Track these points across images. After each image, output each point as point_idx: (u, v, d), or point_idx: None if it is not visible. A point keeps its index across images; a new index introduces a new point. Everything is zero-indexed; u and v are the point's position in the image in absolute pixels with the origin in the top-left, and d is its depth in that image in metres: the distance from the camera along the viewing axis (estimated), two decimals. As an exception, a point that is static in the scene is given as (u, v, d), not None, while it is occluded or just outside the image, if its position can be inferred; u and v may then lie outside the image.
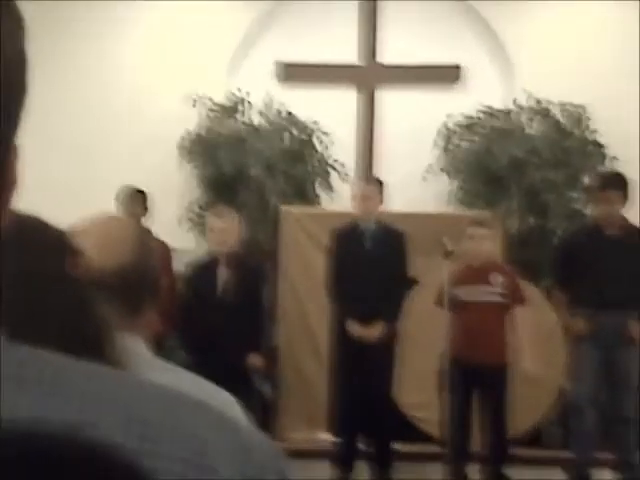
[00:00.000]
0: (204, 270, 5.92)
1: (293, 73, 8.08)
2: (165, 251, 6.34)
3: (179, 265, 6.52)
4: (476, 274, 5.67)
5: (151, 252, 1.65)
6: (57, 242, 0.87)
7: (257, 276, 5.90)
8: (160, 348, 5.53)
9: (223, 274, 5.79)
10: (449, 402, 5.57)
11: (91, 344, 0.78)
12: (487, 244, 5.72)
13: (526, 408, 6.18)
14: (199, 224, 7.63)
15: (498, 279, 5.66)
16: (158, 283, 1.65)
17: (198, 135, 7.70)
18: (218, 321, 5.63)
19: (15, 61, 0.58)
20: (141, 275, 1.59)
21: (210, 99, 7.73)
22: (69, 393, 0.55)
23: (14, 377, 0.54)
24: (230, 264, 5.79)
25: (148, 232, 1.72)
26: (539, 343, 6.18)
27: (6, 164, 0.58)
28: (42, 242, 0.86)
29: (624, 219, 5.81)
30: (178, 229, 7.44)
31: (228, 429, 0.58)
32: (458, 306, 5.63)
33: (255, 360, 5.73)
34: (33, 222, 0.92)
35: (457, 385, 5.53)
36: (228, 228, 5.79)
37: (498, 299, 5.64)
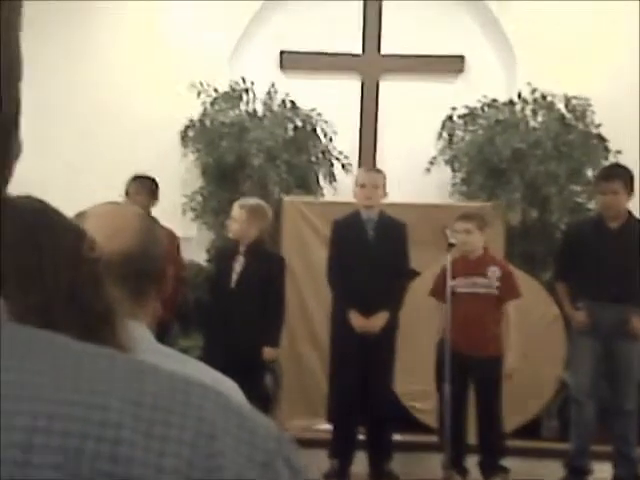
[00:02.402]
0: (223, 259, 5.99)
1: (297, 62, 8.08)
2: (172, 239, 6.36)
3: (186, 254, 6.55)
4: (473, 266, 5.69)
5: (156, 240, 1.65)
6: (72, 224, 0.88)
7: (275, 266, 5.89)
8: (164, 335, 5.57)
9: (239, 264, 5.83)
10: (445, 393, 5.58)
11: (102, 321, 0.79)
12: (472, 237, 5.71)
13: (525, 400, 6.19)
14: (202, 213, 7.63)
15: (495, 272, 5.68)
16: (163, 271, 1.65)
17: (201, 124, 7.70)
18: (230, 311, 5.66)
19: (15, 50, 0.58)
20: (145, 262, 1.59)
21: (214, 88, 7.73)
22: (79, 376, 0.56)
23: (21, 356, 0.55)
24: (248, 254, 5.82)
25: (154, 220, 1.71)
26: (536, 338, 6.19)
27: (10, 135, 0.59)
28: (58, 222, 0.87)
29: (628, 212, 5.82)
30: (180, 217, 7.44)
31: (236, 414, 0.59)
32: (454, 297, 5.66)
33: (271, 354, 5.76)
34: (46, 206, 0.93)
35: (453, 376, 5.55)
36: (239, 219, 5.84)
37: (494, 292, 5.66)
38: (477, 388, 5.69)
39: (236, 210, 5.93)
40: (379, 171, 6.17)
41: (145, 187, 6.46)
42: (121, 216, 1.64)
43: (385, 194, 5.98)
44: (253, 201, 6.17)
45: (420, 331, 6.43)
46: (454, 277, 5.70)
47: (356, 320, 5.73)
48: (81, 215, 1.57)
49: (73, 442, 0.52)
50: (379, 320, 5.73)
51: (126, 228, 1.60)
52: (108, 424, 0.54)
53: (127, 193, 6.40)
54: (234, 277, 5.82)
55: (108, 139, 7.83)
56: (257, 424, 0.60)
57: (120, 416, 0.54)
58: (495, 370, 5.64)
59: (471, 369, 5.59)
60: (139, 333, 1.54)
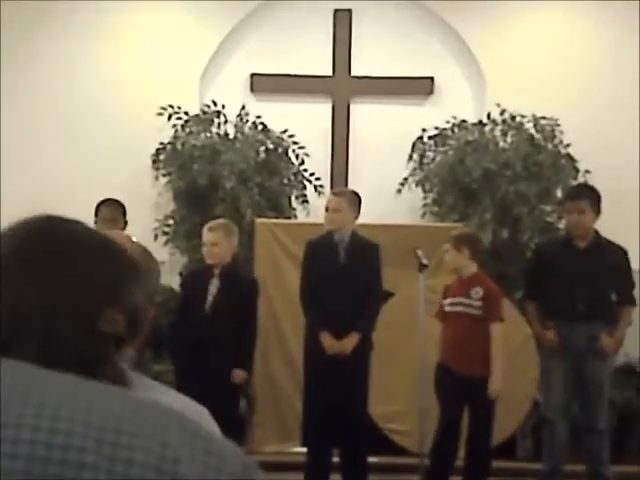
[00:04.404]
0: (196, 281, 5.93)
1: (267, 85, 8.10)
2: None
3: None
4: (461, 287, 5.64)
5: (151, 269, 1.63)
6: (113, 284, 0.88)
7: (248, 289, 5.85)
8: (136, 363, 5.52)
9: (214, 287, 5.79)
10: (440, 412, 5.54)
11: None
12: (447, 256, 5.69)
13: (499, 420, 6.19)
14: (174, 237, 7.61)
15: (478, 293, 5.61)
16: (147, 307, 1.62)
17: (172, 147, 7.69)
18: (203, 334, 5.61)
19: None
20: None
21: (185, 111, 7.73)
22: (43, 402, 0.56)
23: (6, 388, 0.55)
24: (222, 277, 5.78)
25: (149, 253, 1.67)
26: (509, 358, 6.15)
27: None
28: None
29: (596, 232, 5.87)
30: (152, 241, 7.41)
31: (202, 439, 0.59)
32: (446, 317, 5.66)
33: (240, 377, 5.71)
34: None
35: (447, 396, 5.51)
36: (219, 241, 5.80)
37: (476, 312, 5.57)
38: (470, 408, 5.61)
39: (212, 234, 5.83)
40: (345, 193, 6.13)
41: (118, 211, 6.43)
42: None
43: (352, 216, 5.94)
44: (222, 221, 6.17)
45: (395, 352, 6.43)
46: (445, 297, 5.70)
47: (327, 342, 5.72)
48: None
49: (37, 466, 0.53)
50: (350, 341, 5.72)
51: None
52: (71, 448, 0.54)
53: (99, 218, 6.32)
54: (209, 300, 5.77)
55: (79, 163, 7.81)
56: (224, 449, 0.60)
57: (83, 440, 0.54)
58: (484, 391, 5.49)
59: (462, 389, 5.49)
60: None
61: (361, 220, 6.11)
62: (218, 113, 7.77)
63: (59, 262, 0.84)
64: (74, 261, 0.86)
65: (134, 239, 1.80)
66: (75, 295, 0.82)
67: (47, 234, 0.87)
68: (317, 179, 7.78)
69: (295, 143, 7.76)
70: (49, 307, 0.80)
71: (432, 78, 8.10)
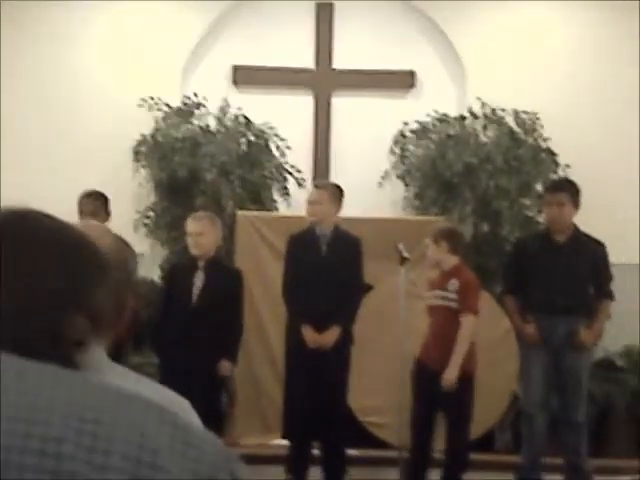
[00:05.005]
0: (180, 274, 5.89)
1: (249, 77, 8.09)
2: None
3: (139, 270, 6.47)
4: (441, 280, 5.64)
5: (127, 260, 1.63)
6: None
7: (234, 281, 5.82)
8: (119, 355, 5.50)
9: (199, 280, 5.75)
10: (412, 406, 5.54)
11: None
12: (428, 251, 5.70)
13: (478, 413, 6.23)
14: (155, 229, 7.59)
15: (454, 285, 5.59)
16: (125, 298, 1.62)
17: (153, 139, 7.66)
18: (190, 327, 5.58)
19: None
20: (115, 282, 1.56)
21: (166, 103, 7.71)
22: (22, 392, 0.56)
23: None
24: (207, 269, 5.76)
25: (126, 243, 1.68)
26: (489, 351, 6.17)
27: None
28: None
29: (575, 226, 5.90)
30: (132, 233, 7.38)
31: (182, 430, 0.59)
32: (427, 311, 5.65)
33: (227, 368, 5.69)
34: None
35: (422, 392, 5.51)
36: (205, 231, 5.77)
37: (452, 304, 5.54)
38: (446, 405, 5.52)
39: (197, 224, 5.79)
40: (326, 186, 6.15)
41: (100, 202, 6.38)
42: (93, 235, 1.60)
43: (333, 209, 5.95)
44: (206, 212, 6.15)
45: (375, 345, 6.45)
46: (429, 290, 5.70)
47: (308, 335, 5.72)
48: None
49: (14, 456, 0.53)
50: (331, 335, 5.73)
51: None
52: (49, 439, 0.54)
53: (82, 210, 6.28)
54: (195, 293, 5.74)
55: (60, 155, 7.77)
56: (204, 440, 0.61)
57: (62, 431, 0.54)
58: (464, 386, 5.43)
59: (438, 386, 5.40)
60: (96, 353, 1.53)
61: (342, 213, 6.12)
62: (199, 105, 7.75)
63: (24, 261, 0.82)
64: (40, 262, 0.84)
65: (112, 231, 1.80)
66: (40, 298, 0.81)
67: (14, 229, 0.86)
68: (299, 172, 7.78)
69: (277, 136, 7.76)
70: (14, 307, 0.79)
71: (413, 72, 8.11)
